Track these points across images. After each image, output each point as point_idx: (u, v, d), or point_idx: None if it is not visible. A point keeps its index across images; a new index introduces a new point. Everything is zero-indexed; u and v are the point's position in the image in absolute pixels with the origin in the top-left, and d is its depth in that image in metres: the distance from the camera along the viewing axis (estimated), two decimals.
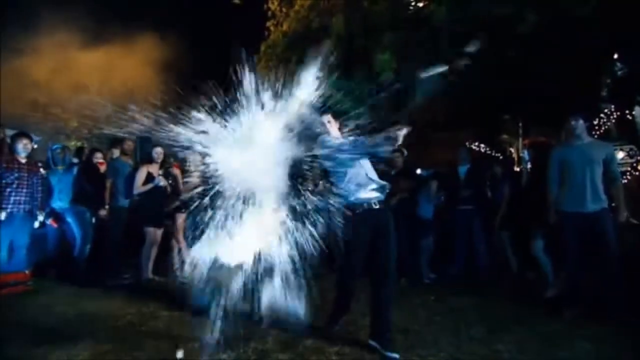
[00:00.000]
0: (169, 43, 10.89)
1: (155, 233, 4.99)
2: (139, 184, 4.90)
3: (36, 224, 5.07)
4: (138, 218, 5.06)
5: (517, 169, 8.63)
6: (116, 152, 5.70)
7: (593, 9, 5.34)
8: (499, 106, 9.09)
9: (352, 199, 2.89)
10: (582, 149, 3.66)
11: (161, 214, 5.07)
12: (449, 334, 3.08)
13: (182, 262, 5.11)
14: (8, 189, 4.38)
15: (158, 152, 5.02)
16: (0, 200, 4.34)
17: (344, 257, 2.99)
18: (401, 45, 6.93)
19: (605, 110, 8.44)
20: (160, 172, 5.09)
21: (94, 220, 5.23)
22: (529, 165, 5.20)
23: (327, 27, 7.99)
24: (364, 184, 2.91)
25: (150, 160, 5.03)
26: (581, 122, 3.70)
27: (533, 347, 2.88)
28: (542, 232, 4.23)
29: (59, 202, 5.11)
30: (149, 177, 4.94)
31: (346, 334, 3.04)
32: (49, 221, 5.26)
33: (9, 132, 5.84)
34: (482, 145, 11.49)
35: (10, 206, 4.39)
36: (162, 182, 5.01)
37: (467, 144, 9.05)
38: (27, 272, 4.49)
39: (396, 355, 2.69)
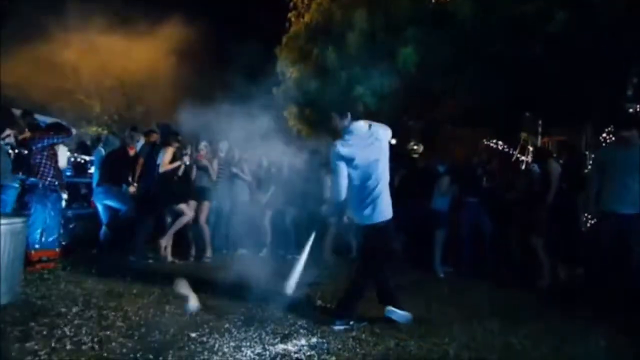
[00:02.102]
0: (192, 31, 11.03)
1: (189, 207, 5.17)
2: (166, 162, 5.07)
3: (63, 203, 5.29)
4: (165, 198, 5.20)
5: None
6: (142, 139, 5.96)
7: (624, 8, 5.24)
8: (520, 103, 8.96)
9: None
10: (632, 153, 3.65)
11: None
12: (463, 325, 3.15)
13: (205, 246, 5.30)
14: (39, 163, 4.57)
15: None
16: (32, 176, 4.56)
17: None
18: (424, 39, 6.90)
19: (630, 110, 8.25)
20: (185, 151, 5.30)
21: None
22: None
23: (349, 20, 7.99)
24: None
25: (173, 143, 5.23)
26: (635, 131, 3.68)
27: (547, 341, 2.92)
28: (544, 230, 4.54)
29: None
30: (175, 157, 5.15)
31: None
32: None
33: (41, 118, 6.10)
34: (500, 143, 11.35)
35: (44, 181, 4.57)
36: (187, 160, 5.25)
37: (484, 140, 9.01)
38: (57, 250, 4.70)
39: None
